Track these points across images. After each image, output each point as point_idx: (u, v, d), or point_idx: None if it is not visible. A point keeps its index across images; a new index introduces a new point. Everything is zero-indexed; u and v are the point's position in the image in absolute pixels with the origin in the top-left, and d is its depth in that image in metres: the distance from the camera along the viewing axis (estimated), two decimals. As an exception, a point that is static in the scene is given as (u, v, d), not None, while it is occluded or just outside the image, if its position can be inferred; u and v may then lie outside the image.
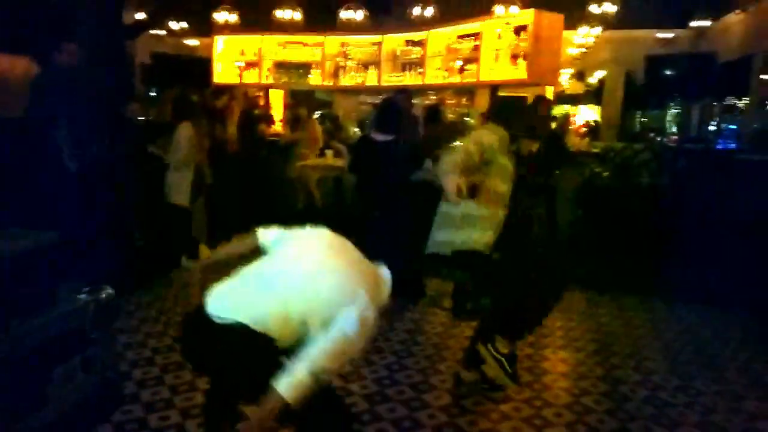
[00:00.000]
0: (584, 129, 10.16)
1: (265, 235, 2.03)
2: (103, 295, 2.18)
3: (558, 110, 11.84)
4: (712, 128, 10.25)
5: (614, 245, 4.71)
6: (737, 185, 4.56)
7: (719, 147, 9.08)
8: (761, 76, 8.25)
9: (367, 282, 1.77)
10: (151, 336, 3.57)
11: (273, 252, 1.93)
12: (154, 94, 11.42)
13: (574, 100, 11.09)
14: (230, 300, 1.78)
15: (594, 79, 11.07)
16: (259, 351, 1.67)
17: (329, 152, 6.05)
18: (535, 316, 2.84)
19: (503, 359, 2.73)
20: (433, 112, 6.17)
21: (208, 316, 1.74)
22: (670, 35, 10.40)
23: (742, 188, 4.50)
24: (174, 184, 4.74)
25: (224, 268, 1.98)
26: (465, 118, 9.40)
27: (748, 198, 4.38)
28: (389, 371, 3.21)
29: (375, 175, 3.80)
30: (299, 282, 1.74)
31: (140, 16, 8.51)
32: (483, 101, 8.33)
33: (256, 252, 1.99)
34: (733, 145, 8.96)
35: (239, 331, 1.67)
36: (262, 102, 9.87)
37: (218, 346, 1.72)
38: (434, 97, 7.96)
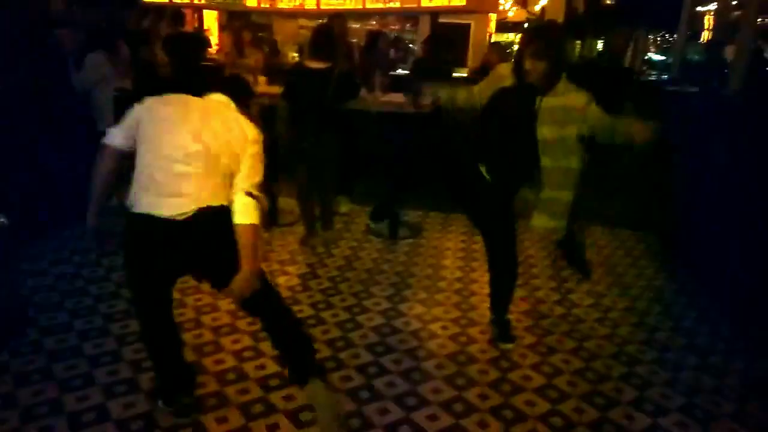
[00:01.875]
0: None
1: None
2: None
3: (501, 38, 11.80)
4: (643, 60, 10.54)
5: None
6: (664, 116, 4.79)
7: (652, 79, 9.43)
8: (696, 9, 8.47)
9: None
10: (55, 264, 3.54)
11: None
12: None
13: (517, 28, 11.07)
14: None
15: (538, 6, 11.02)
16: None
17: (262, 79, 5.82)
18: None
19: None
20: (372, 40, 6.05)
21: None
22: (612, -37, 10.38)
23: (668, 119, 4.73)
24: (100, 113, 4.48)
25: None
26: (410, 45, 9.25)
27: (671, 128, 4.62)
28: (325, 296, 3.34)
29: (309, 104, 3.75)
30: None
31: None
32: (426, 28, 8.20)
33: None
34: (665, 77, 9.31)
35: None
36: (195, 24, 9.32)
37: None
38: (375, 23, 7.74)
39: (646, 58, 10.52)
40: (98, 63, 4.32)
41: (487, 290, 3.51)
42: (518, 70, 2.55)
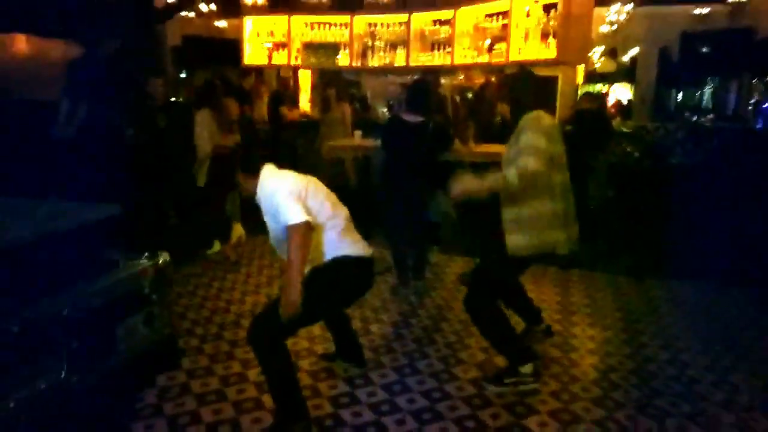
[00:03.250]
0: (614, 108, 9.98)
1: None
2: (161, 261, 2.40)
3: (590, 89, 11.63)
4: (750, 107, 9.96)
5: (643, 226, 4.68)
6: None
7: (758, 127, 8.85)
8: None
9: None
10: (189, 309, 3.74)
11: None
12: (184, 75, 11.62)
13: (606, 78, 10.87)
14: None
15: (627, 57, 10.82)
16: None
17: (357, 132, 6.08)
18: None
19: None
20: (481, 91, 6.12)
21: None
22: (706, 11, 10.07)
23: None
24: (197, 168, 4.84)
25: None
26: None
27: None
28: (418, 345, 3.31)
29: (404, 155, 3.86)
30: None
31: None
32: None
33: None
34: (772, 125, 8.70)
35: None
36: (291, 83, 9.95)
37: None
38: (462, 78, 7.90)
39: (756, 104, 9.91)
40: (205, 120, 4.68)
41: (588, 346, 3.36)
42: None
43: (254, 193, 2.49)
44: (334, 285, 2.50)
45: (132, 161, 4.06)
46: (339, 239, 2.50)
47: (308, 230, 2.31)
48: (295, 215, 2.27)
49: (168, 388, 2.75)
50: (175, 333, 3.08)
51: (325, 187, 2.61)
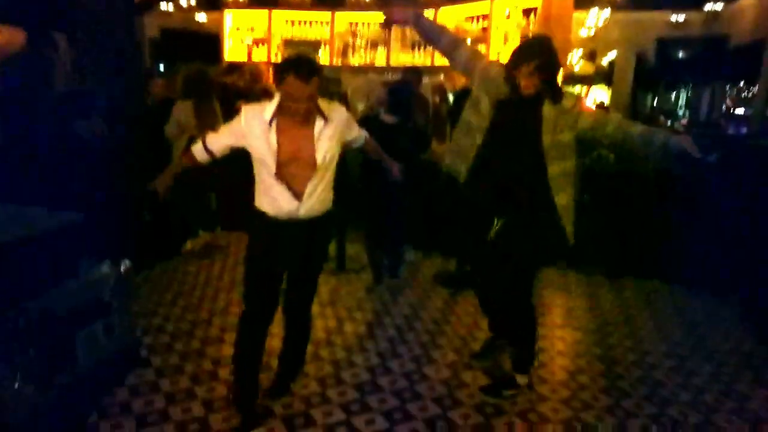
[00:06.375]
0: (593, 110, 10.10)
1: None
2: (122, 268, 2.32)
3: (568, 89, 11.69)
4: (722, 113, 10.18)
5: (618, 230, 4.75)
6: (747, 171, 4.55)
7: (730, 132, 9.05)
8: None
9: None
10: (161, 305, 3.70)
11: None
12: (162, 69, 11.43)
13: (584, 80, 11.02)
14: None
15: (605, 60, 10.98)
16: None
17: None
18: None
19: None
20: (464, 97, 6.06)
21: None
22: (682, 18, 10.27)
23: (752, 175, 4.49)
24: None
25: None
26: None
27: (757, 184, 4.38)
28: (391, 344, 3.32)
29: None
30: None
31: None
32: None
33: None
34: (743, 130, 8.91)
35: None
36: (266, 78, 9.87)
37: None
38: (442, 78, 7.92)
39: (729, 110, 10.12)
40: (182, 112, 4.47)
41: (558, 347, 3.41)
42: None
43: None
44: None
45: (97, 164, 3.89)
46: None
47: None
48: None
49: (137, 387, 2.71)
50: (137, 341, 3.02)
51: None
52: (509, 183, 2.62)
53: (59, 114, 3.85)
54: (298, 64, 2.18)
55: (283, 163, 2.31)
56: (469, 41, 7.69)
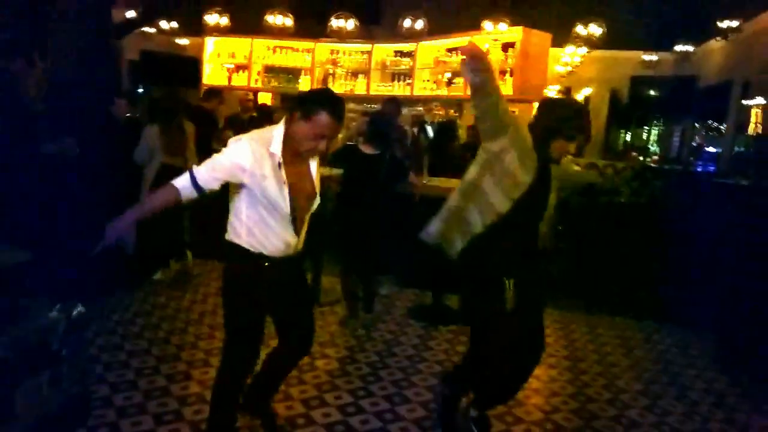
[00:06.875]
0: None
1: None
2: (75, 313, 2.16)
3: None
4: (691, 150, 10.46)
5: (590, 263, 4.79)
6: (714, 208, 4.66)
7: (698, 169, 9.30)
8: (742, 102, 8.46)
9: None
10: (126, 338, 3.57)
11: None
12: (141, 90, 11.36)
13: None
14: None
15: (581, 96, 11.25)
16: None
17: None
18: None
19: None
20: (448, 129, 6.09)
21: None
22: (654, 57, 10.63)
23: (718, 211, 4.60)
24: (143, 185, 4.57)
25: None
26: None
27: (723, 220, 4.48)
28: (364, 383, 3.24)
29: (358, 185, 3.85)
30: None
31: (131, 14, 8.49)
32: (470, 115, 8.40)
33: None
34: (712, 168, 9.17)
35: None
36: (251, 105, 9.85)
37: None
38: (421, 109, 8.01)
39: (697, 148, 10.41)
40: (151, 136, 4.41)
41: (536, 384, 3.37)
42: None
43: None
44: None
45: (59, 190, 3.74)
46: None
47: None
48: None
49: (95, 429, 2.58)
50: (87, 394, 2.81)
51: None
52: (530, 245, 2.59)
53: (26, 134, 3.73)
54: (335, 102, 2.08)
55: (293, 199, 2.18)
56: (448, 75, 7.81)
